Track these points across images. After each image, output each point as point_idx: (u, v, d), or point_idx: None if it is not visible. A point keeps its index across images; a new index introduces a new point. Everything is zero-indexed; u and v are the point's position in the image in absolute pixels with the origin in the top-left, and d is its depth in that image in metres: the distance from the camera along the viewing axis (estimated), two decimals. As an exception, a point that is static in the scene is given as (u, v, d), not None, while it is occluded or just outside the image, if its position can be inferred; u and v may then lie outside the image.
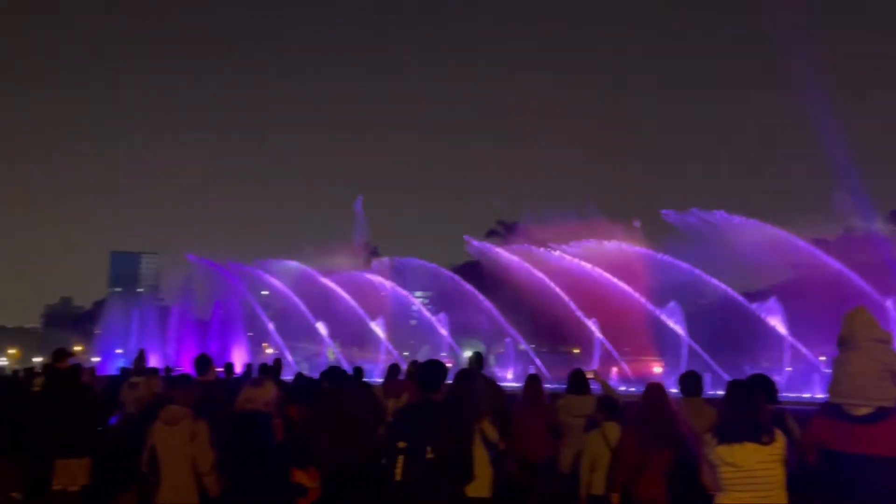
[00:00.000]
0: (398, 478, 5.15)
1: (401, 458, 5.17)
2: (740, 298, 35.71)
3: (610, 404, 7.61)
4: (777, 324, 34.14)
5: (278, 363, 10.76)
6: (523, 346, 46.11)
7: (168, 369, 15.52)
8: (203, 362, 8.86)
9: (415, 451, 5.16)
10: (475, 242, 48.50)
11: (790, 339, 33.69)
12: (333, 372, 8.81)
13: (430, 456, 5.15)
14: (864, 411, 4.51)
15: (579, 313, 40.18)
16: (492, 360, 51.40)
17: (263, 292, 50.98)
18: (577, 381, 8.49)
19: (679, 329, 37.14)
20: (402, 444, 5.21)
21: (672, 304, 37.91)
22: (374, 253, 61.73)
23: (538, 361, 42.33)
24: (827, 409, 4.78)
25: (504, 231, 58.31)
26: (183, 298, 48.78)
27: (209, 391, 7.85)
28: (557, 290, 39.86)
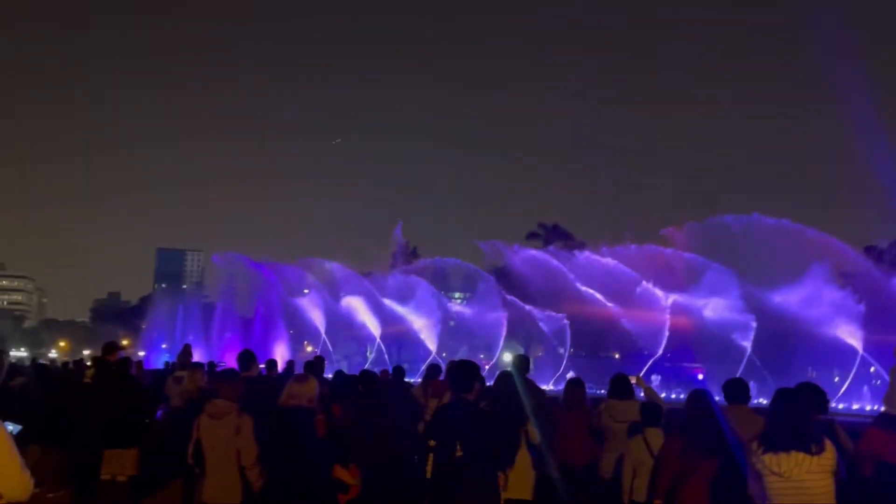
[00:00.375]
0: (428, 475, 5.25)
1: (431, 456, 5.27)
2: (800, 312, 34.38)
3: (654, 410, 7.50)
4: (853, 342, 32.76)
5: (320, 360, 10.86)
6: (562, 349, 45.80)
7: (212, 364, 15.79)
8: (246, 358, 8.99)
9: (444, 449, 5.24)
10: (483, 245, 48.17)
11: (864, 354, 32.40)
12: (366, 375, 8.93)
13: (459, 454, 5.22)
14: (922, 423, 4.36)
15: (609, 304, 39.65)
16: (530, 364, 51.01)
17: (305, 291, 51.61)
18: (620, 386, 8.39)
19: (746, 342, 36.06)
20: (432, 443, 5.32)
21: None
22: (413, 254, 61.96)
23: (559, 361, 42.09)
24: (884, 420, 4.63)
25: (545, 233, 58.01)
26: (226, 295, 49.64)
27: (252, 386, 7.96)
28: (579, 285, 39.46)
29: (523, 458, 7.05)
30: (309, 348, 47.09)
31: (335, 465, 5.96)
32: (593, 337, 45.67)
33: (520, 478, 6.89)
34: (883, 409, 4.63)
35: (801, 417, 5.02)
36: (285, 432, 5.91)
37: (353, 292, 47.86)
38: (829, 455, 4.92)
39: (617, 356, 47.35)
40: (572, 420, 8.49)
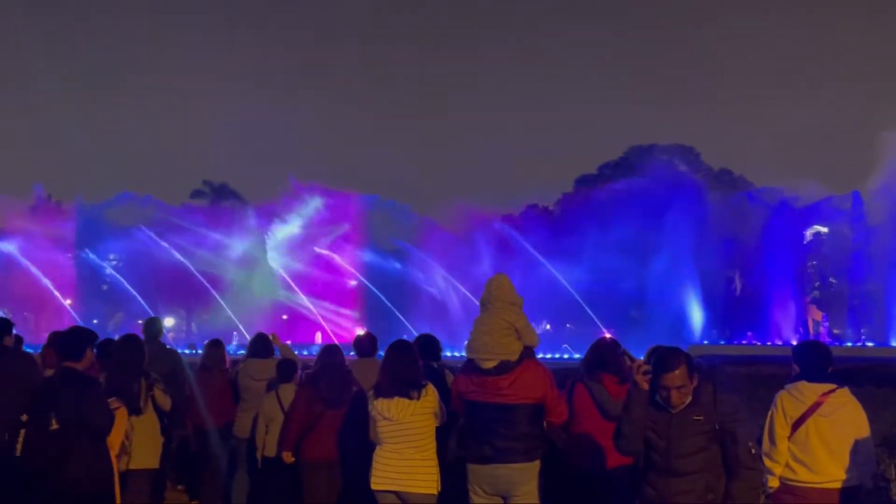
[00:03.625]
0: (18, 453, 4.80)
1: (22, 432, 4.82)
2: None
3: (287, 366, 7.69)
4: None
5: None
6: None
7: None
8: None
9: (38, 423, 4.83)
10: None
11: None
12: None
13: (54, 427, 4.84)
14: (490, 364, 5.08)
15: None
16: (194, 327, 49.34)
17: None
18: (259, 344, 8.44)
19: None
20: (24, 417, 4.86)
21: None
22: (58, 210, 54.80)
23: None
24: (466, 364, 5.33)
25: (211, 192, 55.72)
26: None
27: None
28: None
29: (150, 424, 6.75)
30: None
31: None
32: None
33: (145, 446, 6.60)
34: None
35: (406, 366, 5.57)
36: None
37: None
38: (431, 399, 5.54)
39: (284, 317, 47.81)
40: (209, 381, 8.34)
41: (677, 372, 4.08)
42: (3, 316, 7.35)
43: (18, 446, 4.83)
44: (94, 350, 5.80)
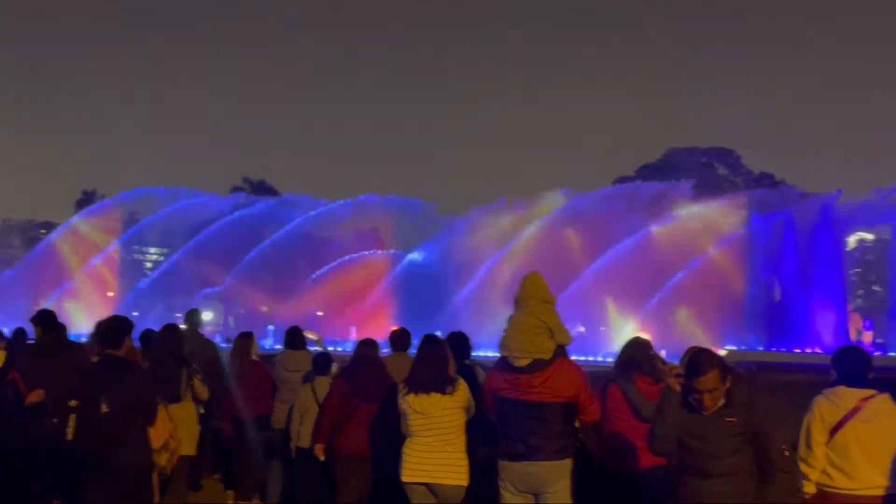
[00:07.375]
0: (70, 437, 5.00)
1: (73, 417, 5.03)
2: None
3: (322, 360, 7.81)
4: None
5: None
6: (265, 307, 45.69)
7: None
8: None
9: (88, 407, 5.02)
10: None
11: None
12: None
13: (104, 410, 5.02)
14: (523, 363, 5.07)
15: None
16: (231, 321, 50.17)
17: None
18: (294, 337, 8.59)
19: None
20: (73, 403, 5.06)
21: None
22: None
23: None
24: (498, 362, 5.34)
25: (250, 188, 56.58)
26: None
27: None
28: None
29: (187, 412, 6.94)
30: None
31: None
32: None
33: (183, 433, 6.76)
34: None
35: (439, 362, 5.64)
36: None
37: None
38: (462, 393, 5.61)
39: (320, 313, 48.34)
40: (243, 372, 8.50)
41: (710, 375, 4.06)
42: (49, 308, 7.57)
43: (69, 430, 5.01)
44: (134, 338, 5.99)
